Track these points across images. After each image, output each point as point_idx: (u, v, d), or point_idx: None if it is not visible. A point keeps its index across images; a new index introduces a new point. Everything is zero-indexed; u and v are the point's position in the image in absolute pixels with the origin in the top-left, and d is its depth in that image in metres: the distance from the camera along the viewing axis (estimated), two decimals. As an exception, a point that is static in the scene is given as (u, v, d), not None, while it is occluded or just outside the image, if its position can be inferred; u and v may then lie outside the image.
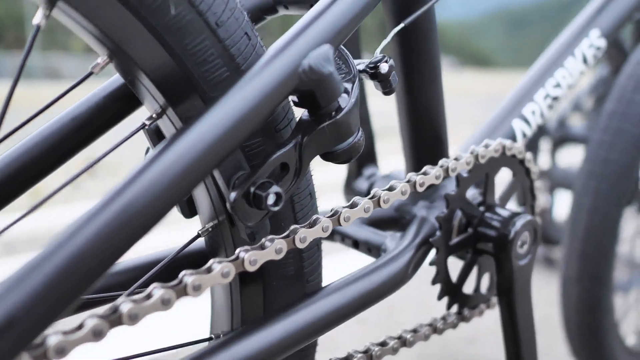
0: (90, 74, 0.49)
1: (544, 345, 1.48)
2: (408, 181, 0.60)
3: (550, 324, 1.53)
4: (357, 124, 0.51)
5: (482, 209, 0.68)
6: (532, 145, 1.99)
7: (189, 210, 0.58)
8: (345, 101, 0.50)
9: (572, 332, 1.12)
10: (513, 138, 0.79)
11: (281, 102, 0.48)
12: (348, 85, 0.51)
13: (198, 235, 0.55)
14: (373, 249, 0.68)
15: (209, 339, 0.58)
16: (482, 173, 0.67)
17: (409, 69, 0.67)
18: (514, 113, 0.80)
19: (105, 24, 0.43)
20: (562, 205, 1.99)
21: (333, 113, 0.49)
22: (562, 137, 2.06)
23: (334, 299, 0.56)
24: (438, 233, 0.64)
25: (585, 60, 0.87)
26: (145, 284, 0.49)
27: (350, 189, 0.83)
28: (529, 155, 0.71)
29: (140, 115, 0.55)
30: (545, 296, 1.62)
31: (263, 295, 0.57)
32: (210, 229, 0.55)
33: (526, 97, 0.82)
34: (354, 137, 0.51)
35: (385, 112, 2.30)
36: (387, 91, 0.55)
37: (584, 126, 2.07)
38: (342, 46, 0.53)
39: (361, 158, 0.83)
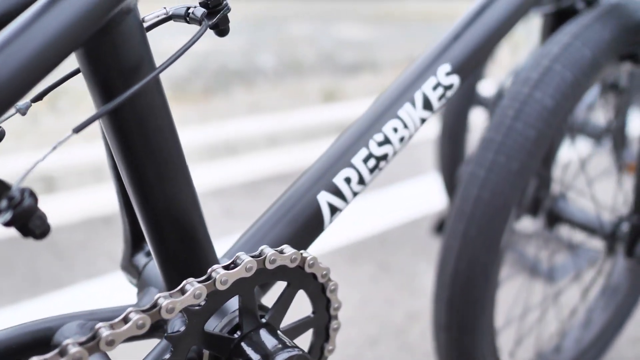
0: None
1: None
2: (87, 340, 0.45)
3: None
4: None
5: (238, 334, 0.54)
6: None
7: None
8: None
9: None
10: (319, 217, 0.64)
11: None
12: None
13: None
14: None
15: None
16: (229, 297, 0.52)
17: (137, 169, 0.51)
18: (321, 183, 0.65)
19: None
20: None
21: None
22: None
23: None
24: (163, 384, 0.51)
25: (428, 106, 0.70)
26: None
27: (128, 264, 0.68)
28: (311, 258, 0.56)
29: None
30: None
31: None
32: None
33: (341, 160, 0.66)
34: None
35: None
36: None
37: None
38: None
39: (140, 231, 0.68)
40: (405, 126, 0.69)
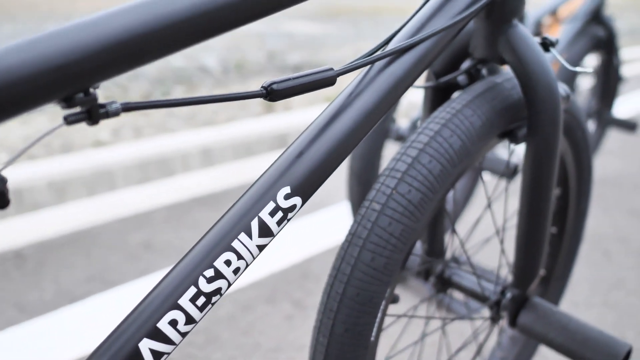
0: None
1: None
2: None
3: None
4: None
5: None
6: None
7: None
8: None
9: None
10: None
11: None
12: None
13: None
14: None
15: None
16: None
17: None
18: (144, 330, 0.62)
19: None
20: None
21: None
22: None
23: None
24: None
25: (266, 233, 0.68)
26: None
27: None
28: None
29: None
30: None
31: None
32: None
33: (166, 302, 0.63)
34: None
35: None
36: None
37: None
38: None
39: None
40: (240, 257, 0.66)
